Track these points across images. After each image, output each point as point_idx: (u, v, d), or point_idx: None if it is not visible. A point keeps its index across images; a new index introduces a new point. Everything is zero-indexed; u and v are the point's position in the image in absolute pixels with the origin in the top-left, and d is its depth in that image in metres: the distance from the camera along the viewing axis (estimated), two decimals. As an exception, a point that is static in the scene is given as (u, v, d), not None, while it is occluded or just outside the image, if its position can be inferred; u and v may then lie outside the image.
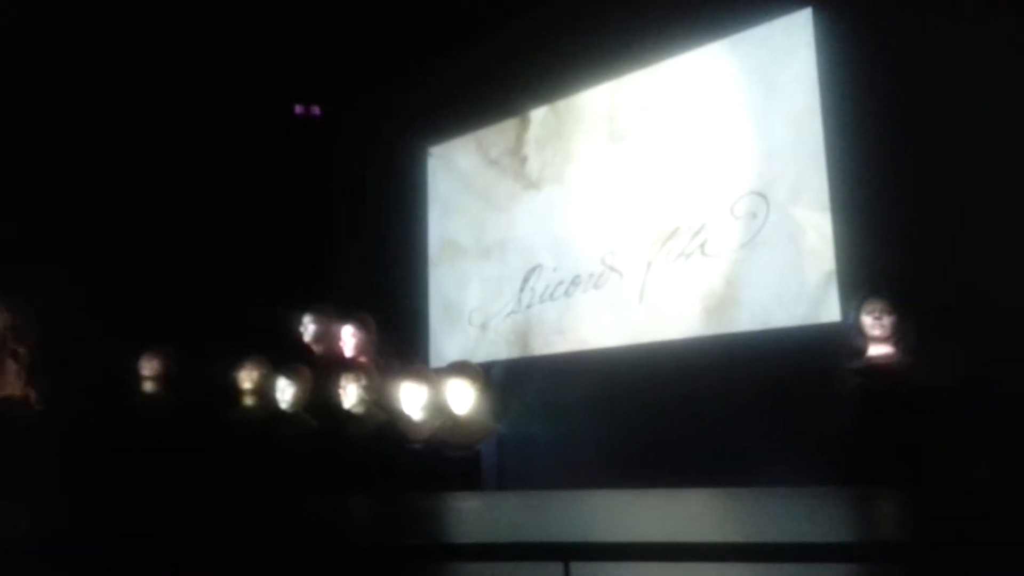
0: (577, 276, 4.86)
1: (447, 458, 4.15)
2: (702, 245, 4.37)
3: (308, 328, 4.69)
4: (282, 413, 4.35)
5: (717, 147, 4.37)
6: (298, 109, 6.13)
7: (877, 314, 3.37)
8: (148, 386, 4.36)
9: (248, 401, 4.43)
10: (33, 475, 4.43)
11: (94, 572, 2.51)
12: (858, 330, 3.41)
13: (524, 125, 5.29)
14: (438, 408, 4.32)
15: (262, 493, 3.96)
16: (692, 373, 4.07)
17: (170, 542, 2.60)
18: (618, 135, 4.82)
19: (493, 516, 2.34)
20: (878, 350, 3.38)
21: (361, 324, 4.64)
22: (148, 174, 5.30)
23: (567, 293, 4.90)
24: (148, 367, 4.35)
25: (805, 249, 4.00)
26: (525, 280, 5.13)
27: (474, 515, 2.36)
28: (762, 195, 4.19)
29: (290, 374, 4.35)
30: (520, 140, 5.30)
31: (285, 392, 4.33)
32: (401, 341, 5.01)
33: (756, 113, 4.26)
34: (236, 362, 4.45)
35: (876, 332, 3.37)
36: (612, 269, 4.72)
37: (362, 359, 4.58)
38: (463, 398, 4.25)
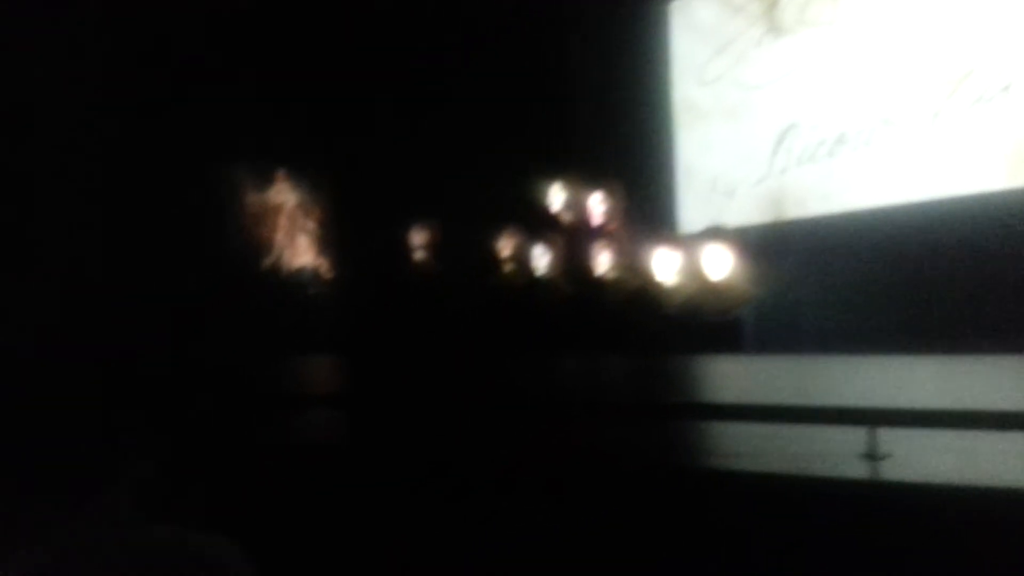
0: (843, 134, 4.45)
1: (704, 323, 4.13)
2: (1006, 87, 3.80)
3: (558, 197, 4.76)
4: (538, 280, 4.52)
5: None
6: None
7: None
8: (418, 255, 4.71)
9: (507, 268, 4.64)
10: (324, 334, 5.04)
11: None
12: None
13: (776, -37, 4.79)
14: (692, 274, 4.27)
15: (524, 354, 4.21)
16: (988, 232, 3.67)
17: (437, 396, 2.85)
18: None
19: (788, 379, 2.31)
20: None
21: (609, 192, 4.63)
22: (408, 51, 5.47)
23: (830, 153, 4.52)
24: (418, 237, 4.68)
25: None
26: (779, 141, 4.79)
27: (767, 378, 2.34)
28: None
29: (544, 242, 4.48)
30: (771, -20, 4.82)
31: (540, 260, 4.48)
32: (648, 208, 4.95)
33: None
34: (495, 232, 4.65)
35: None
36: (887, 123, 4.26)
37: (612, 226, 4.59)
38: (719, 264, 4.16)
